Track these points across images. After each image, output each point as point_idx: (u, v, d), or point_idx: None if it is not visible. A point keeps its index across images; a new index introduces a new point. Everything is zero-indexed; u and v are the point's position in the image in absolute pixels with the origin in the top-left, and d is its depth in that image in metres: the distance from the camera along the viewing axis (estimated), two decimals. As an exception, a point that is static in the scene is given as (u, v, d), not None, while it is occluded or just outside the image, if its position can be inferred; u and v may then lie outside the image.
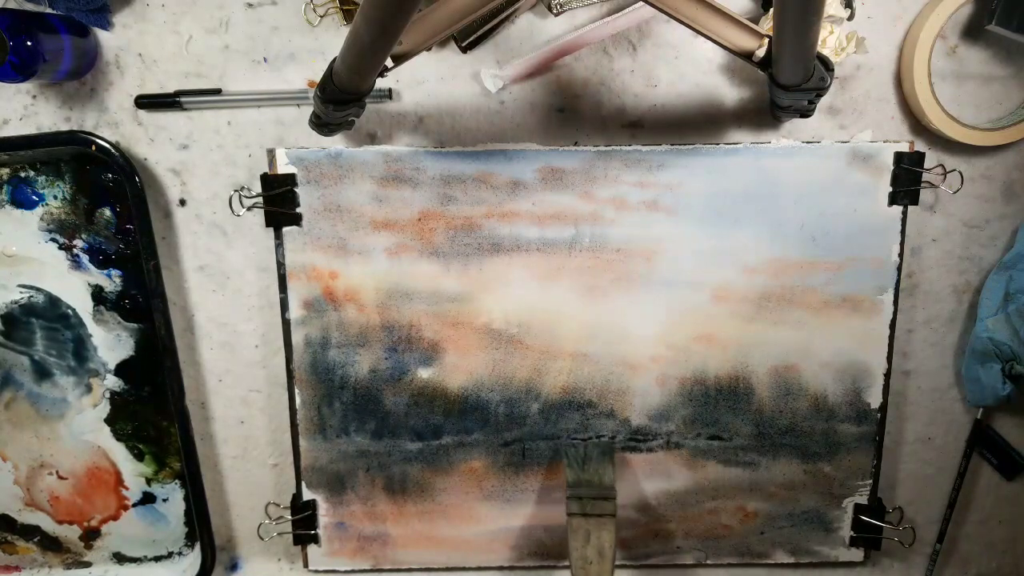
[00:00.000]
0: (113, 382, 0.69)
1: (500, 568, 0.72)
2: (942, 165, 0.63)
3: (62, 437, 0.71)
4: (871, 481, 0.68)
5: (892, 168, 0.62)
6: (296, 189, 0.63)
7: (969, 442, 0.70)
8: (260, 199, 0.63)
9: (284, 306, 0.65)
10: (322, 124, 0.58)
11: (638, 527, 0.70)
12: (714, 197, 0.63)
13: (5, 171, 0.66)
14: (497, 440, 0.68)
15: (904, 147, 0.62)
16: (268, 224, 0.64)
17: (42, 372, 0.69)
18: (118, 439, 0.71)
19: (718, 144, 0.62)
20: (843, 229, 0.63)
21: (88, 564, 0.75)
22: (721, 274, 0.64)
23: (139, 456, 0.71)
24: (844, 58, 0.61)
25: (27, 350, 0.69)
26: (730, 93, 0.63)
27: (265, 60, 0.63)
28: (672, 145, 0.62)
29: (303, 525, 0.70)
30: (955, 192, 0.64)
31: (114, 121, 0.64)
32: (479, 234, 0.64)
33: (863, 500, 0.69)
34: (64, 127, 0.64)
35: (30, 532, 0.74)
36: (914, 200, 0.63)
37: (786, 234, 0.63)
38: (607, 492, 0.63)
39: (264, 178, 0.63)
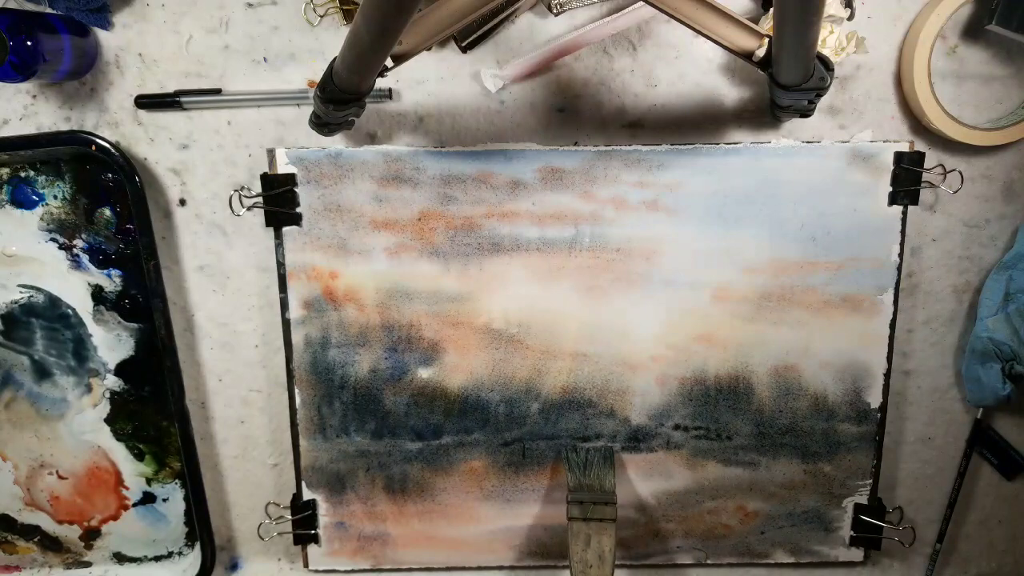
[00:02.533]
0: (113, 382, 0.69)
1: (500, 568, 0.72)
2: (942, 165, 0.63)
3: (62, 437, 0.71)
4: (871, 481, 0.68)
5: (892, 168, 0.62)
6: (296, 189, 0.63)
7: (969, 442, 0.70)
8: (260, 199, 0.63)
9: (284, 306, 0.65)
10: (322, 124, 0.58)
11: (638, 527, 0.70)
12: (714, 197, 0.63)
13: (5, 171, 0.66)
14: (497, 440, 0.68)
15: (904, 147, 0.62)
16: (268, 224, 0.64)
17: (42, 372, 0.69)
18: (118, 439, 0.71)
19: (718, 144, 0.62)
20: (843, 229, 0.63)
21: (88, 564, 0.75)
22: (721, 274, 0.64)
23: (139, 456, 0.71)
24: (844, 58, 0.61)
25: (27, 350, 0.69)
26: (730, 93, 0.63)
27: (265, 60, 0.63)
28: (672, 145, 0.62)
29: (303, 525, 0.70)
30: (955, 192, 0.64)
31: (114, 121, 0.64)
32: (479, 234, 0.64)
33: (863, 500, 0.69)
34: (64, 127, 0.64)
35: (30, 532, 0.74)
36: (914, 200, 0.63)
37: (786, 234, 0.63)
38: (608, 497, 0.63)
39: (264, 178, 0.63)
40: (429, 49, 0.57)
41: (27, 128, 0.64)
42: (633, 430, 0.68)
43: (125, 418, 0.70)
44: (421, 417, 0.67)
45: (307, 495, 0.69)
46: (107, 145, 0.61)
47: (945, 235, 0.66)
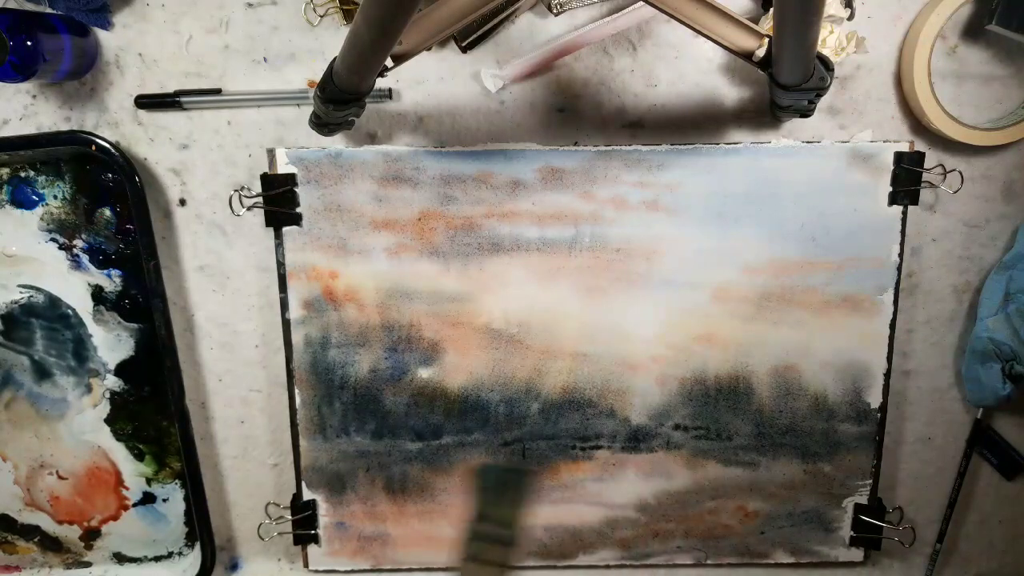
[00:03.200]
0: (113, 382, 0.69)
1: (500, 568, 0.73)
2: (942, 165, 0.63)
3: (62, 437, 0.71)
4: (871, 481, 0.68)
5: (892, 168, 0.62)
6: (296, 189, 0.63)
7: (969, 442, 0.70)
8: (260, 199, 0.63)
9: (284, 306, 0.65)
10: (322, 124, 0.58)
11: (638, 527, 0.70)
12: (714, 197, 0.63)
13: (5, 171, 0.66)
14: (497, 440, 0.68)
15: (904, 147, 0.62)
16: (268, 224, 0.64)
17: (42, 372, 0.69)
18: (118, 439, 0.71)
19: (718, 144, 0.62)
20: (843, 229, 0.63)
21: (88, 564, 0.75)
22: (721, 274, 0.64)
23: (139, 456, 0.71)
24: (844, 58, 0.61)
25: (27, 350, 0.69)
26: (730, 93, 0.63)
27: (265, 60, 0.63)
28: (672, 145, 0.62)
29: (303, 525, 0.70)
30: (955, 192, 0.64)
31: (114, 121, 0.64)
32: (479, 234, 0.64)
33: (863, 500, 0.69)
34: (64, 127, 0.64)
35: (30, 532, 0.74)
36: (914, 200, 0.62)
37: (786, 234, 0.63)
38: (506, 536, 0.56)
39: (264, 178, 0.63)
40: (429, 49, 0.58)
41: (27, 128, 0.64)
42: (633, 430, 0.68)
43: (125, 418, 0.70)
44: (421, 417, 0.67)
45: (307, 495, 0.69)
46: (107, 145, 0.61)
47: (945, 235, 0.66)
